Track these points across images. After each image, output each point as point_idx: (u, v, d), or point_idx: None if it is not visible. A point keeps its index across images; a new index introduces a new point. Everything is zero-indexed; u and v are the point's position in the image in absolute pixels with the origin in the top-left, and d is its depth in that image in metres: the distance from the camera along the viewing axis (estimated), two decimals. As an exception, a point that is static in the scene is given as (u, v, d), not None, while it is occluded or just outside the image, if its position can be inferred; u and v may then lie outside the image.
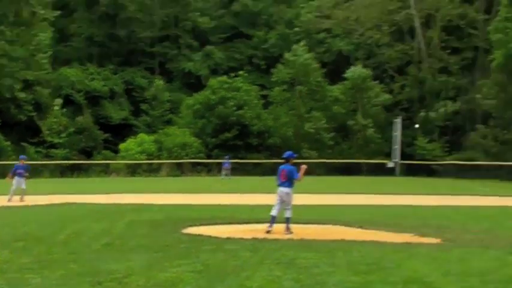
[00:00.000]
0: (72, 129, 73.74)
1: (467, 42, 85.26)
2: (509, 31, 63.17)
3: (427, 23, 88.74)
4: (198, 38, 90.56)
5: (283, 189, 18.44)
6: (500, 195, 37.64)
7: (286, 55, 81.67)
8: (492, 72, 70.57)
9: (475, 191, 43.57)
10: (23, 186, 32.48)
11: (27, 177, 33.45)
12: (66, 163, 69.91)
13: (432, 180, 64.69)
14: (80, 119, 76.09)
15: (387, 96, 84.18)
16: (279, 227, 18.23)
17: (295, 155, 19.00)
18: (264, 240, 16.45)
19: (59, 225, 19.62)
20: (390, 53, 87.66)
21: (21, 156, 35.27)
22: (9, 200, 31.35)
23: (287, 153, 18.96)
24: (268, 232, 17.78)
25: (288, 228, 18.16)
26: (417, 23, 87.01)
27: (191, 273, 11.61)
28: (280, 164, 19.04)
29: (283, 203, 18.46)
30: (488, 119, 70.57)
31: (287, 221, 18.33)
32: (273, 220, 18.21)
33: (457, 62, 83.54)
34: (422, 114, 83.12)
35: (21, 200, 31.55)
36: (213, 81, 79.53)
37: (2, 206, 28.68)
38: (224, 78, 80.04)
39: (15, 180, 32.64)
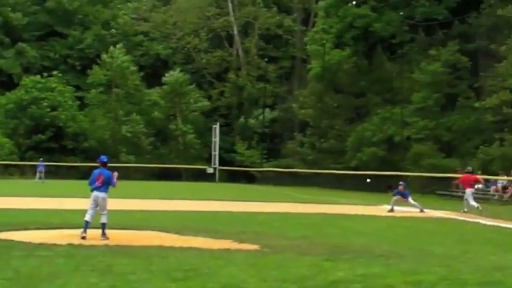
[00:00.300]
0: None
1: (285, 52, 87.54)
2: (325, 42, 65.17)
3: (245, 30, 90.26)
4: (10, 35, 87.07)
5: (100, 194, 18.03)
6: (317, 203, 38.55)
7: (103, 56, 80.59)
8: (309, 82, 72.58)
9: (294, 198, 44.52)
10: None
11: None
12: None
13: (251, 187, 65.70)
14: None
15: (206, 103, 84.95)
16: (94, 233, 17.78)
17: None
18: (79, 246, 15.98)
19: None
20: (209, 59, 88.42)
21: None
22: None
23: (104, 158, 18.60)
24: (83, 238, 17.29)
25: (104, 234, 17.75)
26: (235, 30, 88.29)
27: (1, 280, 11.07)
28: (96, 167, 18.64)
29: (97, 208, 18.05)
30: (306, 127, 72.43)
31: (103, 226, 17.91)
32: (86, 225, 17.73)
33: (275, 71, 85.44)
34: (241, 120, 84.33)
35: None
36: (27, 81, 77.18)
37: None
38: (38, 77, 77.87)
39: None
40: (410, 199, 32.25)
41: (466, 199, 32.76)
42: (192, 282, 11.19)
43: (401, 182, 33.00)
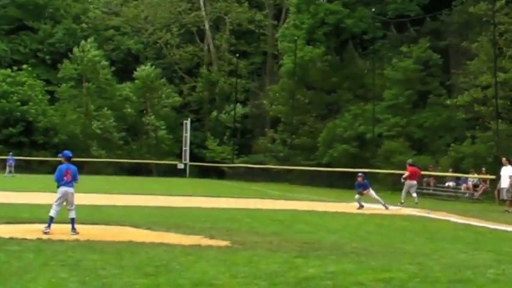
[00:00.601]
0: None
1: (257, 47, 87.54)
2: (297, 39, 65.22)
3: (216, 25, 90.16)
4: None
5: (69, 190, 17.89)
6: (289, 199, 38.60)
7: (75, 50, 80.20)
8: (280, 78, 72.61)
9: (265, 194, 44.54)
10: None
11: None
12: None
13: (222, 183, 65.68)
14: None
15: (177, 98, 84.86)
16: (63, 228, 17.69)
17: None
18: (48, 241, 15.83)
19: None
20: (180, 54, 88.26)
21: None
22: None
23: (69, 153, 18.51)
24: (46, 233, 17.08)
25: (74, 229, 17.61)
26: (207, 25, 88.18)
27: (-31, 275, 10.96)
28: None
29: (65, 203, 17.91)
30: (278, 123, 72.48)
31: (73, 221, 17.77)
32: (51, 221, 17.54)
33: (247, 66, 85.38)
34: (213, 115, 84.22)
35: None
36: (-3, 74, 76.57)
37: None
38: (8, 71, 77.32)
39: None
40: (371, 191, 31.77)
41: (409, 191, 33.94)
42: (162, 277, 11.14)
43: (360, 174, 32.42)
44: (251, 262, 13.07)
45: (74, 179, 18.04)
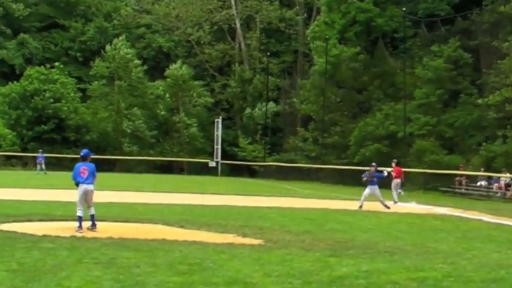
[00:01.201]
0: None
1: (287, 46, 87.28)
2: (328, 38, 64.99)
3: (247, 24, 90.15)
4: (11, 26, 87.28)
5: (88, 187, 18.01)
6: (320, 198, 38.51)
7: (107, 48, 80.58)
8: (311, 76, 72.38)
9: (296, 192, 44.51)
10: None
11: None
12: None
13: (253, 181, 65.68)
14: None
15: (208, 99, 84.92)
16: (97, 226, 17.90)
17: (92, 153, 19.03)
18: (82, 238, 15.99)
19: None
20: (211, 52, 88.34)
21: None
22: None
23: (87, 151, 18.81)
24: (80, 232, 17.21)
25: (94, 225, 17.78)
26: (238, 24, 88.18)
27: (5, 272, 11.11)
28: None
29: (85, 200, 18.05)
30: (309, 122, 72.29)
31: (92, 218, 17.93)
32: (81, 221, 17.68)
33: (277, 65, 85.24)
34: (247, 111, 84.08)
35: None
36: (30, 71, 77.14)
37: None
38: (41, 68, 77.82)
39: None
40: (377, 190, 30.23)
41: (394, 189, 35.93)
42: (196, 276, 11.18)
43: (373, 164, 31.58)
44: (284, 261, 13.09)
45: (93, 176, 18.14)
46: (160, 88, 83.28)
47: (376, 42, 63.83)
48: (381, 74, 63.34)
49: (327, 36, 65.07)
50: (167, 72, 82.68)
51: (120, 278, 10.87)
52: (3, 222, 18.70)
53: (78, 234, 16.78)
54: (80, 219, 17.69)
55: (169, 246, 14.95)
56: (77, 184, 18.06)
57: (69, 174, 19.44)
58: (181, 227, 19.41)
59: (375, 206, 29.46)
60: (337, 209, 28.92)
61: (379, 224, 22.74)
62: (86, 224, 17.88)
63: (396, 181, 36.77)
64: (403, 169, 40.28)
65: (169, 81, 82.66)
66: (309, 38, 73.64)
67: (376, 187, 29.88)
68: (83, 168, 18.12)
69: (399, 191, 37.05)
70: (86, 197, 18.00)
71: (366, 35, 64.90)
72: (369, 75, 63.78)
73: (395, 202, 33.77)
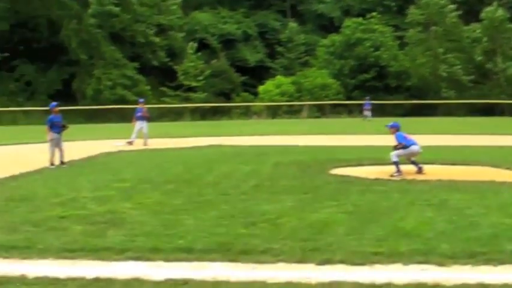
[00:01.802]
0: (208, 72, 74.24)
1: None
2: None
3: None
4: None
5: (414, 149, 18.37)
6: None
7: (420, -5, 79.97)
8: None
9: None
10: (145, 131, 31.94)
11: (148, 120, 32.86)
12: (206, 106, 70.61)
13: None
14: (215, 62, 76.72)
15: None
16: (426, 168, 18.22)
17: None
18: (412, 181, 16.41)
19: (206, 167, 19.97)
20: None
21: (140, 100, 34.37)
22: (130, 143, 31.32)
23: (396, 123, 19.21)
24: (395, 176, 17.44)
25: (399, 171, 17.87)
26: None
27: (342, 214, 11.82)
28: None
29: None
30: None
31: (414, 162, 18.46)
32: (397, 165, 17.95)
33: None
34: None
35: (145, 144, 30.93)
36: (349, 22, 78.97)
37: (146, 148, 29.37)
38: (359, 19, 79.21)
39: (137, 124, 32.33)
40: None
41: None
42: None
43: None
44: None
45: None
46: (477, 31, 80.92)
47: None
48: None
49: None
50: (482, 15, 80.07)
51: (453, 219, 11.17)
52: (336, 167, 19.59)
53: (397, 178, 17.05)
54: (396, 164, 17.90)
55: (498, 187, 14.94)
56: (408, 146, 18.27)
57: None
58: (508, 168, 19.01)
59: None
60: None
61: None
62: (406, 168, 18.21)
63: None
64: None
65: (485, 22, 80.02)
66: None
67: None
68: (407, 134, 18.66)
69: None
70: (413, 155, 18.39)
71: None
72: None
73: None
